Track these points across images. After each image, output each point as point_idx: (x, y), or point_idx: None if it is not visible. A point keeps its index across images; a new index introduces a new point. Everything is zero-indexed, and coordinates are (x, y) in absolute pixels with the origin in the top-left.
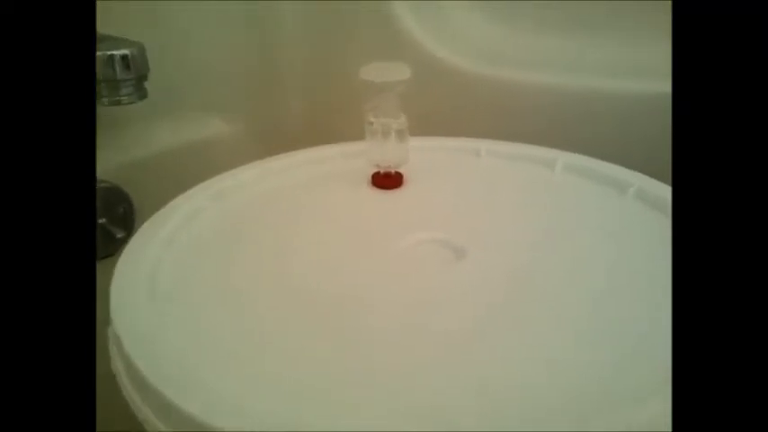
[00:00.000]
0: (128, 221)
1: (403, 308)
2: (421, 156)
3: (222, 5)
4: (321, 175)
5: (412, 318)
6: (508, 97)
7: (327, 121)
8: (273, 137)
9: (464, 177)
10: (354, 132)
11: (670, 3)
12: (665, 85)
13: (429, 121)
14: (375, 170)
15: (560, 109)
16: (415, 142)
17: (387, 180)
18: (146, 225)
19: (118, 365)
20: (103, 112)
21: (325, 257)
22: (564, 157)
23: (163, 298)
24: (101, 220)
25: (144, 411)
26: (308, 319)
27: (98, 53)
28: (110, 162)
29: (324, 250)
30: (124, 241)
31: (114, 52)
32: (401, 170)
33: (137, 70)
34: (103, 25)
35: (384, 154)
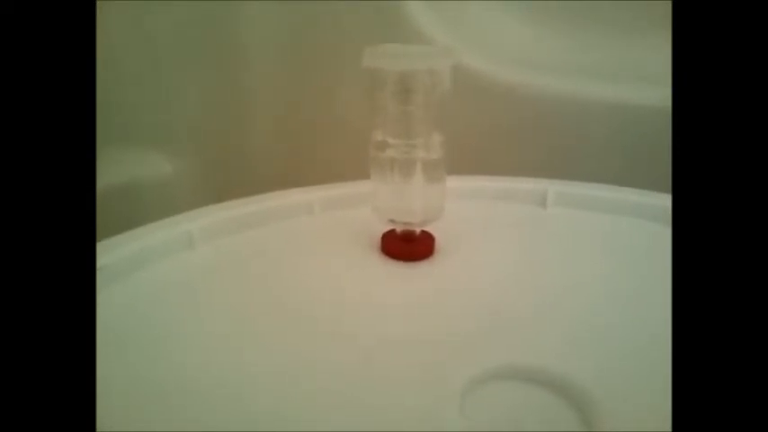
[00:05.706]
0: None
1: None
2: (460, 206)
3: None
4: (292, 237)
5: None
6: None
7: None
8: (230, 176)
9: (529, 240)
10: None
11: None
12: None
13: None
14: (388, 228)
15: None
16: (452, 183)
17: (408, 246)
18: None
19: None
20: None
21: None
22: (661, 200)
23: None
24: None
25: None
26: None
27: None
28: None
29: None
30: None
31: None
32: (431, 229)
33: None
34: None
35: (403, 201)
